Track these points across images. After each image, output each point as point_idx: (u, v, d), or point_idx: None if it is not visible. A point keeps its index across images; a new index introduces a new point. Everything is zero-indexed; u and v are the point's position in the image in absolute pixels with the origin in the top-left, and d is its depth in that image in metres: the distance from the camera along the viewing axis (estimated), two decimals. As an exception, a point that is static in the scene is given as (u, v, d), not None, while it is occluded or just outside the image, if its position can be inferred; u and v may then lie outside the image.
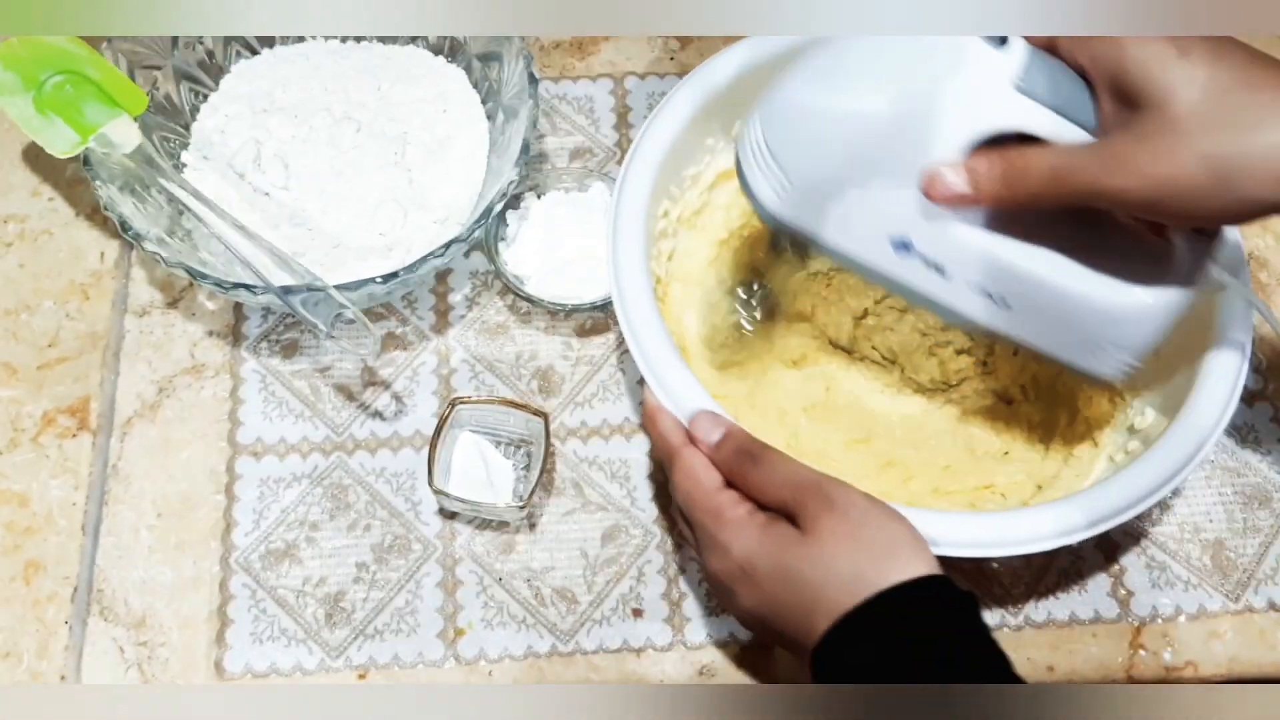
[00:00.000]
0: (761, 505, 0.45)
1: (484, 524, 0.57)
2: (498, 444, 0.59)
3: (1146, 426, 0.55)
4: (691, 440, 0.48)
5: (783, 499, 0.44)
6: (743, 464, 0.46)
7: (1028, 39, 0.43)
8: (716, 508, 0.45)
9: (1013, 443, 0.59)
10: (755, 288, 0.62)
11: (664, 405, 0.49)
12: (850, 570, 0.41)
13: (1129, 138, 0.40)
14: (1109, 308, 0.46)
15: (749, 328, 0.61)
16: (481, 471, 0.57)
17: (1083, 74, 0.43)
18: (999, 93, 0.43)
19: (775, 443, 0.47)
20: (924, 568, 0.42)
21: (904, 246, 0.47)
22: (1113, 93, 0.41)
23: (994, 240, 0.46)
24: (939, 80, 0.43)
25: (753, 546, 0.44)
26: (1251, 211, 0.40)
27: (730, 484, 0.46)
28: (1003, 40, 0.43)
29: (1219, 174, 0.39)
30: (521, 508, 0.55)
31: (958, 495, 0.57)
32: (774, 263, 0.62)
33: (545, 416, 0.56)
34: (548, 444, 0.56)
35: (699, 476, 0.46)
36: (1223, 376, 0.52)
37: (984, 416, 0.60)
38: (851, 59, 0.46)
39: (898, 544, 0.42)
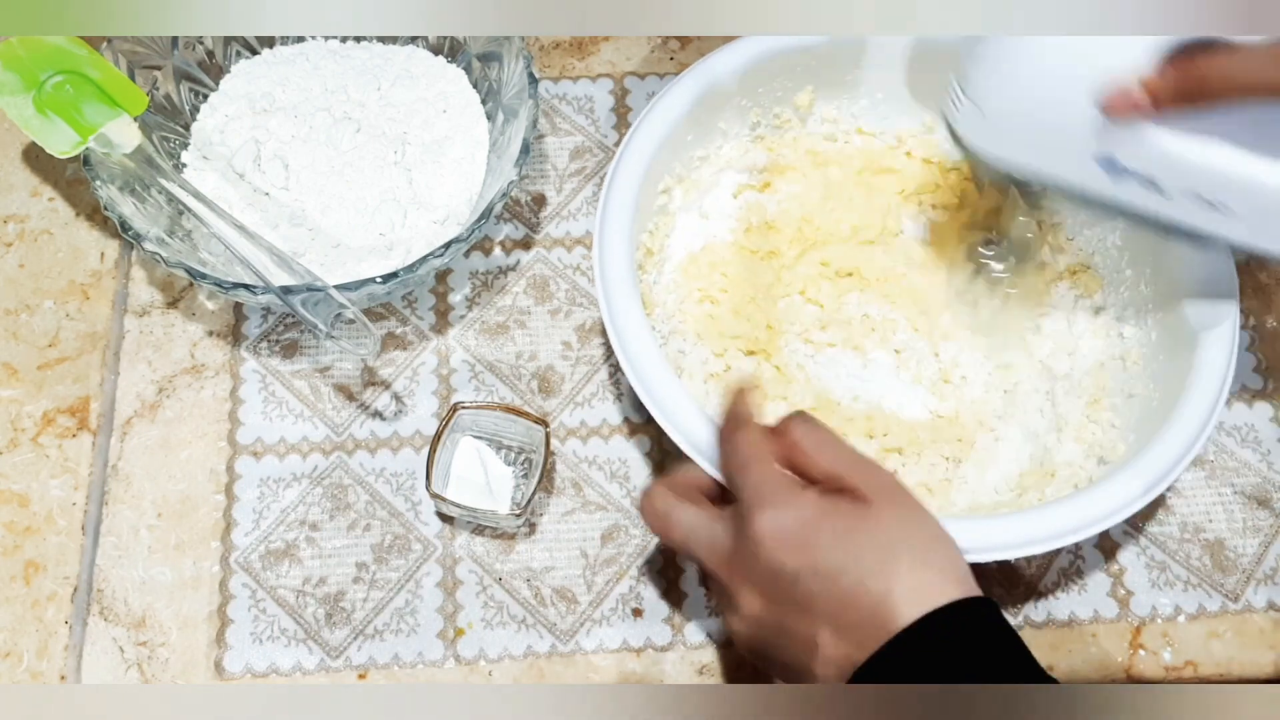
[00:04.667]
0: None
1: (482, 527, 0.57)
2: (499, 450, 0.59)
3: (1117, 458, 0.55)
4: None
5: (838, 471, 0.44)
6: (805, 434, 0.45)
7: None
8: (778, 476, 0.44)
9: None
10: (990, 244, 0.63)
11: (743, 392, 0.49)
12: (920, 540, 0.42)
13: None
14: None
15: (1002, 273, 0.62)
16: (481, 477, 0.57)
17: None
18: None
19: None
20: (959, 581, 0.42)
21: (1112, 165, 0.47)
22: None
23: (1200, 145, 0.46)
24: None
25: (815, 510, 0.43)
26: None
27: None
28: None
29: None
30: (519, 516, 0.55)
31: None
32: (1002, 215, 0.63)
33: (546, 425, 0.55)
34: (548, 452, 0.56)
35: (762, 446, 0.45)
36: (1199, 408, 0.52)
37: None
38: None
39: (945, 542, 0.43)
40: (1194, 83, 0.44)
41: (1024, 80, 0.47)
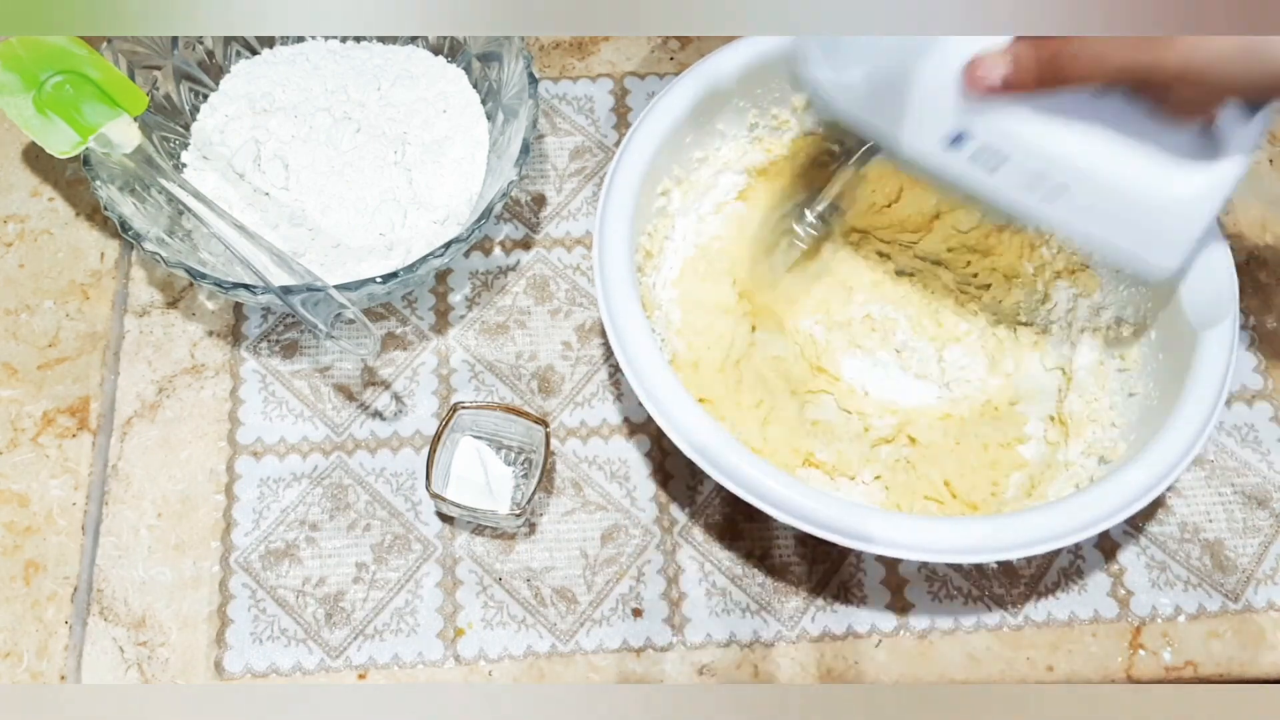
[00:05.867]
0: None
1: (482, 527, 0.57)
2: (499, 450, 0.59)
3: (1117, 457, 0.55)
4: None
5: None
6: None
7: None
8: None
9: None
10: (810, 208, 0.62)
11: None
12: None
13: None
14: (1161, 192, 0.47)
15: (802, 243, 0.61)
16: (481, 477, 0.57)
17: None
18: None
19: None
20: None
21: (957, 140, 0.48)
22: None
23: (1045, 128, 0.47)
24: None
25: None
26: None
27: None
28: None
29: (1244, 41, 0.41)
30: (519, 516, 0.55)
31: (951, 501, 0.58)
32: (827, 180, 0.62)
33: (546, 425, 0.55)
34: (548, 453, 0.56)
35: None
36: (1198, 408, 0.52)
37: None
38: None
39: None
40: (1057, 57, 0.44)
41: (890, 50, 0.47)
